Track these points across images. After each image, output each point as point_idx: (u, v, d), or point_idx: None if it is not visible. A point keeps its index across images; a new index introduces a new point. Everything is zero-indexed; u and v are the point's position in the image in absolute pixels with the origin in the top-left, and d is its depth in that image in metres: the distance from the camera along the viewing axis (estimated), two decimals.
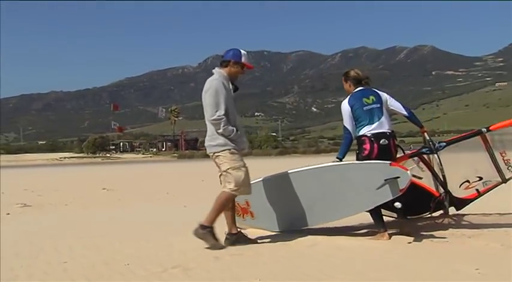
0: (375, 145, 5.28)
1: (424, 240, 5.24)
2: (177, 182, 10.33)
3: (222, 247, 5.03)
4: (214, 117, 5.04)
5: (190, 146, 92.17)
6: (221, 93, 5.08)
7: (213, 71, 5.34)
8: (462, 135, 6.14)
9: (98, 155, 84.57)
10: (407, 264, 4.30)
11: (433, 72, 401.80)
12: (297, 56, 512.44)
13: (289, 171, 5.67)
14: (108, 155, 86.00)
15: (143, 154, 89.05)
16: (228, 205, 5.18)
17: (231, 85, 5.26)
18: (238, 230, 5.28)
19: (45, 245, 5.44)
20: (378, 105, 5.43)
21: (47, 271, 4.38)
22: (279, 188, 5.71)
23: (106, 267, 4.45)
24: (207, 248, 5.00)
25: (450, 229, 5.83)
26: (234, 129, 5.09)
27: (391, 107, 5.59)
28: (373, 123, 5.35)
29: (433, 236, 5.36)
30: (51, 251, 5.16)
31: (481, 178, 5.95)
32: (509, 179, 5.92)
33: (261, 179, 5.77)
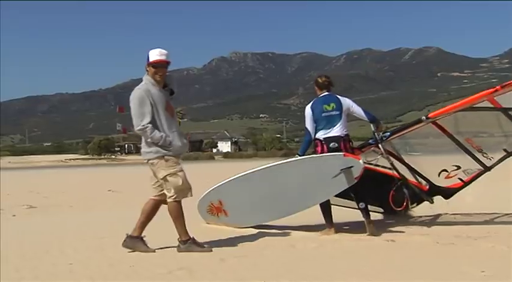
0: (325, 147, 5.85)
1: (430, 241, 5.22)
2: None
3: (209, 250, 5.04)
4: (139, 127, 5.02)
5: (195, 148, 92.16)
6: (145, 101, 5.03)
7: (143, 78, 5.25)
8: (405, 125, 6.49)
9: (103, 156, 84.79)
10: (413, 265, 4.29)
11: (439, 74, 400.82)
12: (302, 57, 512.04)
13: (253, 170, 6.12)
14: (113, 156, 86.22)
15: None
16: (180, 212, 5.17)
17: (161, 89, 5.17)
18: (191, 236, 5.20)
19: (51, 246, 5.45)
20: (337, 112, 5.97)
21: (52, 272, 4.39)
22: (247, 186, 6.09)
23: (111, 268, 4.46)
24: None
25: (456, 230, 5.81)
26: (163, 135, 5.03)
27: (354, 113, 6.09)
28: (328, 129, 5.93)
29: (439, 238, 5.34)
30: (57, 253, 5.17)
31: (459, 167, 6.19)
32: (493, 166, 6.16)
33: (229, 179, 6.20)
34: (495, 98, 5.80)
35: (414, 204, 6.52)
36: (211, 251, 5.04)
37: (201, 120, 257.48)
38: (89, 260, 4.81)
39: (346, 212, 6.81)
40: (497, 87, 5.58)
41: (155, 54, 5.16)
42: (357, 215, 7.05)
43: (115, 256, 4.91)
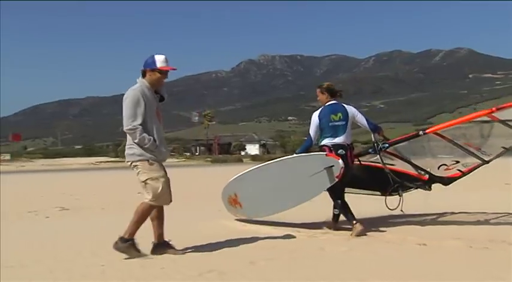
0: (334, 153, 6.16)
1: (463, 246, 5.12)
2: (212, 186, 10.37)
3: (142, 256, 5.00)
4: (130, 127, 5.02)
5: (224, 150, 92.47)
6: (140, 103, 5.03)
7: (137, 80, 5.26)
8: (404, 136, 7.07)
9: None
10: (445, 270, 4.22)
11: (470, 75, 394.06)
12: (330, 59, 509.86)
13: (257, 166, 6.76)
14: None
15: (177, 158, 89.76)
16: (147, 216, 5.18)
17: (154, 94, 5.20)
18: (167, 240, 5.25)
19: (83, 248, 5.53)
20: (343, 123, 6.35)
21: (85, 274, 4.46)
22: (253, 180, 6.65)
23: (142, 270, 4.50)
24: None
25: (490, 234, 5.69)
26: (151, 138, 5.03)
27: (357, 122, 6.51)
28: (335, 137, 6.32)
29: (472, 242, 5.23)
30: (89, 254, 5.25)
31: (458, 162, 6.85)
32: (491, 160, 6.81)
33: (240, 173, 6.76)
34: (494, 114, 6.33)
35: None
36: (140, 256, 4.98)
37: (229, 123, 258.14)
38: (120, 261, 4.87)
39: (373, 212, 6.75)
40: (493, 109, 6.26)
41: (162, 61, 5.19)
42: (386, 217, 7.00)
43: (147, 258, 4.95)
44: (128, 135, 5.11)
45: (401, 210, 6.74)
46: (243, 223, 7.03)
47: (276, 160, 6.68)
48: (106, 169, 52.27)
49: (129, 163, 5.19)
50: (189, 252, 5.19)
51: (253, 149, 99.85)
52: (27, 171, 51.49)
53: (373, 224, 6.52)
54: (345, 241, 5.58)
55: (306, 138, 6.75)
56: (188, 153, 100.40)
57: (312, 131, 6.50)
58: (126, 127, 5.06)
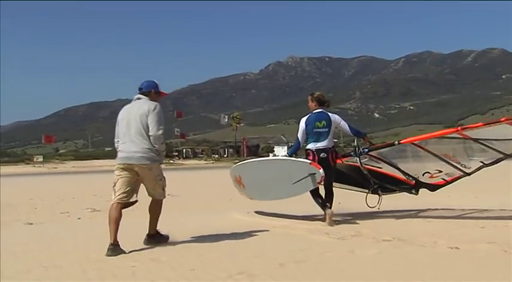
0: (316, 157, 7.09)
1: (497, 250, 5.00)
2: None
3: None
4: (159, 133, 5.73)
5: (252, 152, 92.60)
6: (162, 115, 5.83)
7: (139, 97, 5.98)
8: (383, 144, 8.05)
9: None
10: (479, 275, 4.14)
11: (503, 76, 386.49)
12: (359, 61, 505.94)
13: (258, 160, 8.41)
14: (172, 161, 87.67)
15: (205, 160, 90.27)
16: (161, 208, 6.13)
17: None
18: (158, 230, 6.05)
19: None
20: (326, 130, 7.21)
21: (116, 274, 4.51)
22: (251, 170, 7.85)
23: (172, 272, 4.54)
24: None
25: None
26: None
27: (340, 129, 7.48)
28: (318, 142, 7.18)
29: (507, 246, 5.10)
30: (120, 255, 5.30)
31: (440, 171, 7.67)
32: (472, 173, 7.63)
33: (242, 162, 8.32)
34: (463, 132, 7.26)
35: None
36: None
37: (257, 125, 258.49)
38: (151, 262, 4.92)
39: (402, 214, 6.66)
40: (458, 128, 7.44)
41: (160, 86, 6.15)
42: (416, 220, 6.91)
43: (176, 259, 5.00)
44: (144, 139, 5.70)
45: (378, 208, 7.62)
46: (273, 224, 7.04)
47: (272, 158, 8.26)
48: None
49: (145, 165, 5.71)
50: (218, 254, 5.20)
51: (281, 151, 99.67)
52: (59, 172, 52.47)
53: (402, 226, 6.45)
54: (374, 244, 5.53)
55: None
56: (216, 155, 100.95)
57: (300, 135, 7.37)
58: (157, 132, 5.70)
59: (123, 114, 5.93)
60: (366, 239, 5.80)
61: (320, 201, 7.22)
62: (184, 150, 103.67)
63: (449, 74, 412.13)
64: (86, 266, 4.84)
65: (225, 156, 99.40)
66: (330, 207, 7.09)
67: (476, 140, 7.35)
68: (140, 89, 6.02)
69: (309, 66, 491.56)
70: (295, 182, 6.81)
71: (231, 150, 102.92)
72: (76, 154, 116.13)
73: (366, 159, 7.71)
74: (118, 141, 5.97)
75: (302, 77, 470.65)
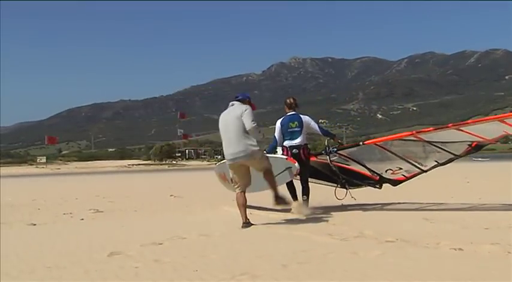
0: (289, 152, 8.24)
1: (500, 251, 4.98)
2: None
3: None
4: (254, 125, 7.00)
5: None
6: (253, 113, 7.15)
7: (234, 103, 7.30)
8: (350, 144, 9.49)
9: (164, 162, 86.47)
10: (482, 277, 4.13)
11: (506, 77, 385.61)
12: (362, 62, 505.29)
13: None
14: (174, 162, 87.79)
15: (208, 161, 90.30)
16: None
17: None
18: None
19: (117, 249, 5.60)
20: (298, 129, 8.36)
21: (119, 275, 4.52)
22: None
23: (175, 273, 4.54)
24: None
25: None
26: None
27: (311, 129, 8.51)
28: (292, 140, 8.35)
29: (511, 247, 5.09)
30: (123, 256, 5.31)
31: (400, 168, 8.80)
32: (428, 170, 8.78)
33: (223, 161, 8.67)
34: (418, 135, 8.40)
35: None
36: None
37: (259, 126, 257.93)
38: (154, 263, 4.92)
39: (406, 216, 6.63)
40: (413, 132, 8.54)
41: None
42: (419, 221, 6.91)
43: (179, 260, 5.00)
44: (247, 135, 7.00)
45: (344, 198, 8.83)
46: (274, 225, 7.05)
47: None
48: (138, 172, 52.97)
49: (249, 154, 6.99)
50: (220, 255, 5.21)
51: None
52: (62, 173, 52.57)
53: (405, 227, 6.45)
54: (377, 245, 5.52)
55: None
56: (219, 156, 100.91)
57: (276, 134, 8.53)
58: (254, 124, 6.98)
59: (221, 120, 7.28)
60: (368, 240, 5.80)
61: (292, 191, 8.39)
62: (187, 151, 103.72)
63: (452, 75, 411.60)
64: (89, 266, 4.85)
65: None
66: (307, 200, 8.25)
67: (429, 143, 8.47)
68: (237, 97, 7.37)
69: (312, 67, 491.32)
70: (276, 175, 7.49)
71: None
72: (79, 155, 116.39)
73: (336, 158, 8.87)
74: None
75: (305, 78, 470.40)
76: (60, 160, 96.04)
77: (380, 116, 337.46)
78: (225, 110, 7.36)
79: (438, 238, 5.69)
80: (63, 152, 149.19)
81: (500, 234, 5.91)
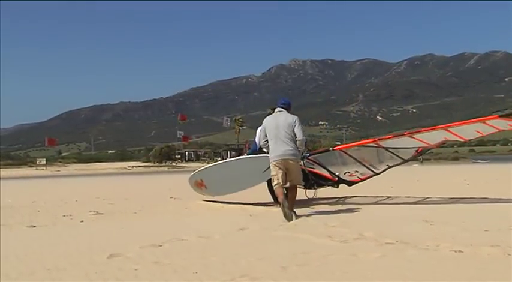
0: None
1: (500, 253, 4.97)
2: (243, 191, 10.40)
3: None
4: (304, 138, 8.16)
5: None
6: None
7: (281, 110, 8.29)
8: (320, 150, 10.99)
9: (164, 164, 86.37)
10: (481, 280, 4.12)
11: (506, 79, 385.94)
12: (362, 64, 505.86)
13: (214, 164, 11.00)
14: (174, 164, 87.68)
15: (208, 163, 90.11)
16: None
17: None
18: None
19: (117, 251, 5.59)
20: None
21: (119, 277, 4.52)
22: (215, 171, 10.27)
23: (175, 274, 4.54)
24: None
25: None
26: None
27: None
28: None
29: (511, 249, 5.08)
30: (123, 258, 5.31)
31: (357, 171, 10.14)
32: (380, 173, 10.11)
33: (204, 167, 10.91)
34: (379, 142, 9.85)
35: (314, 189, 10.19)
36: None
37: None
38: (154, 265, 4.92)
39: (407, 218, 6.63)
40: (375, 139, 10.09)
41: None
42: (419, 224, 6.91)
43: (179, 262, 5.00)
44: (290, 141, 7.96)
45: (312, 197, 9.95)
46: (273, 227, 7.05)
47: (235, 158, 10.65)
48: (138, 174, 52.96)
49: (293, 159, 8.01)
50: (220, 257, 5.20)
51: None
52: (62, 175, 52.54)
53: (405, 229, 6.45)
54: (377, 247, 5.51)
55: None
56: (219, 158, 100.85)
57: (257, 139, 9.15)
58: (303, 137, 8.12)
59: (271, 122, 8.16)
60: (368, 242, 5.79)
61: (273, 193, 9.31)
62: (187, 153, 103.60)
63: (452, 77, 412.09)
64: (89, 268, 4.85)
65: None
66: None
67: (386, 149, 9.85)
68: (283, 103, 8.35)
69: (312, 68, 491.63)
70: (264, 171, 8.68)
71: (233, 153, 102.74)
72: (79, 157, 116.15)
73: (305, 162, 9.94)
74: (266, 141, 8.15)
75: (305, 80, 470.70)
76: (60, 162, 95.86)
77: (380, 118, 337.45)
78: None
79: (438, 240, 5.68)
80: (63, 154, 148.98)
81: (500, 236, 5.90)
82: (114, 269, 4.79)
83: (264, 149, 8.59)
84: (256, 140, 9.03)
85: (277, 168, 7.93)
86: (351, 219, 7.80)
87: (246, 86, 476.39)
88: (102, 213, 9.97)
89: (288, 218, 7.67)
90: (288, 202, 7.78)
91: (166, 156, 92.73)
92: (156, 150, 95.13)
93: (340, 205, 9.76)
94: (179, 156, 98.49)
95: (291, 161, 7.91)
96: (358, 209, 8.96)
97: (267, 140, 8.12)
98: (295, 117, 8.10)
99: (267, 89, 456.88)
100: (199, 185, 10.32)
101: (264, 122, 8.35)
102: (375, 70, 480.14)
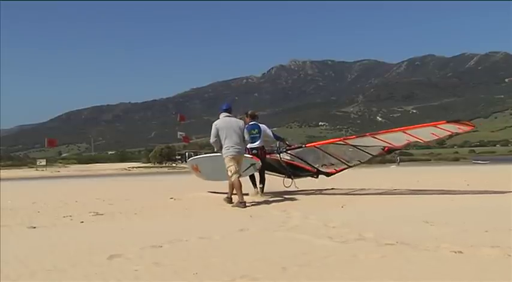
0: (250, 153, 10.80)
1: (500, 254, 4.97)
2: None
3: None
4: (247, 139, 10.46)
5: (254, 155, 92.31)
6: None
7: (228, 115, 10.30)
8: (296, 146, 12.51)
9: (164, 164, 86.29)
10: (482, 281, 4.12)
11: (506, 80, 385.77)
12: (362, 65, 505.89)
13: (208, 155, 12.60)
14: (174, 164, 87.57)
15: None
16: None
17: None
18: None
19: (117, 252, 5.59)
20: (258, 135, 11.21)
21: (119, 278, 4.52)
22: (208, 161, 12.16)
23: (176, 275, 4.54)
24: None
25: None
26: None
27: (267, 135, 11.46)
28: (253, 143, 11.01)
29: (511, 250, 5.09)
30: (123, 259, 5.30)
31: (332, 164, 12.06)
32: (353, 166, 12.28)
33: (197, 156, 13.48)
34: (346, 141, 11.63)
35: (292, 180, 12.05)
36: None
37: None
38: (154, 266, 4.91)
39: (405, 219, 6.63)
40: (342, 138, 11.92)
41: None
42: (418, 224, 6.91)
43: (179, 263, 5.00)
44: (241, 140, 10.18)
45: (292, 187, 11.71)
46: (274, 228, 7.04)
47: (219, 154, 10.79)
48: (138, 174, 52.94)
49: (243, 155, 10.34)
50: (220, 258, 5.20)
51: (284, 155, 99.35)
52: (62, 176, 52.50)
53: (405, 230, 6.45)
54: (377, 248, 5.52)
55: None
56: None
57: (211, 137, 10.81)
58: (248, 140, 10.46)
59: (225, 123, 10.06)
60: (368, 243, 5.79)
61: (253, 181, 11.41)
62: (187, 153, 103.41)
63: (452, 78, 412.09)
64: (89, 269, 4.85)
65: None
66: (262, 187, 11.25)
67: (355, 146, 11.51)
68: (228, 108, 10.35)
69: (312, 69, 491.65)
70: (244, 170, 10.40)
71: None
72: (79, 158, 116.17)
73: (286, 156, 11.95)
74: (217, 139, 10.05)
75: (305, 81, 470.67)
76: (60, 163, 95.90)
77: (380, 119, 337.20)
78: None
79: (438, 241, 5.69)
80: (63, 155, 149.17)
81: (500, 237, 5.91)
82: (114, 270, 4.79)
83: (214, 145, 10.24)
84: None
85: (234, 161, 9.92)
86: (351, 220, 7.79)
87: (246, 87, 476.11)
88: (102, 214, 9.95)
89: (227, 200, 10.23)
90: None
91: (166, 157, 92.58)
92: (156, 151, 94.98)
93: (318, 195, 11.77)
94: (179, 157, 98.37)
95: (242, 156, 10.12)
96: (358, 209, 8.95)
97: (218, 139, 10.01)
98: (242, 122, 10.44)
99: (267, 90, 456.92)
100: (195, 169, 12.49)
101: (217, 122, 10.12)
102: (375, 71, 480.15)
